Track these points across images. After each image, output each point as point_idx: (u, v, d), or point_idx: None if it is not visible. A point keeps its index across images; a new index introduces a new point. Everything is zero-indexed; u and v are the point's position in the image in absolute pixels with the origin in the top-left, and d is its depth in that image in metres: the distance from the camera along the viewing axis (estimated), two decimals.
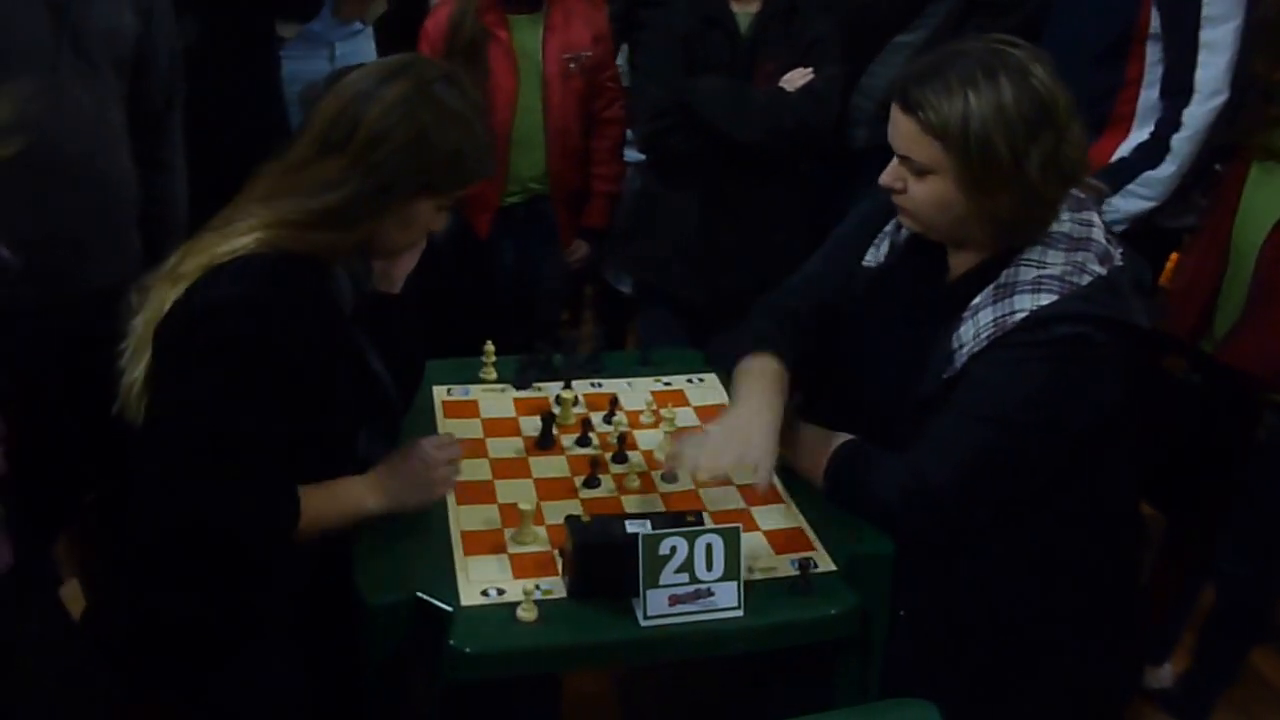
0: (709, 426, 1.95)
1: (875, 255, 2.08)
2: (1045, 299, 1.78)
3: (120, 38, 2.32)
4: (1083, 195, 1.89)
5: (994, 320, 1.81)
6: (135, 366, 1.79)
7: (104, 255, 2.29)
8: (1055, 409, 1.79)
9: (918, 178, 1.83)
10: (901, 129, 1.82)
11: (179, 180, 2.52)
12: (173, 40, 2.50)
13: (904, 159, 1.84)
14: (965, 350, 1.84)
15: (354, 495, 1.87)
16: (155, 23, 2.42)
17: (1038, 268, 1.81)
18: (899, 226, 2.01)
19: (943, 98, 1.75)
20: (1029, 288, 1.80)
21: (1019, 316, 1.79)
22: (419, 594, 1.73)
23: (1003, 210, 1.79)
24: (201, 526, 1.75)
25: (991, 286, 1.85)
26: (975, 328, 1.83)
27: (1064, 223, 1.84)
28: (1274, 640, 3.03)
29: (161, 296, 1.78)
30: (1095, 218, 1.87)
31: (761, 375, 2.01)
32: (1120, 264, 1.83)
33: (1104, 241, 1.84)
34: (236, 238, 1.77)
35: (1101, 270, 1.80)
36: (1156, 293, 2.97)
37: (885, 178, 1.89)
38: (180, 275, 1.77)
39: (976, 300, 1.85)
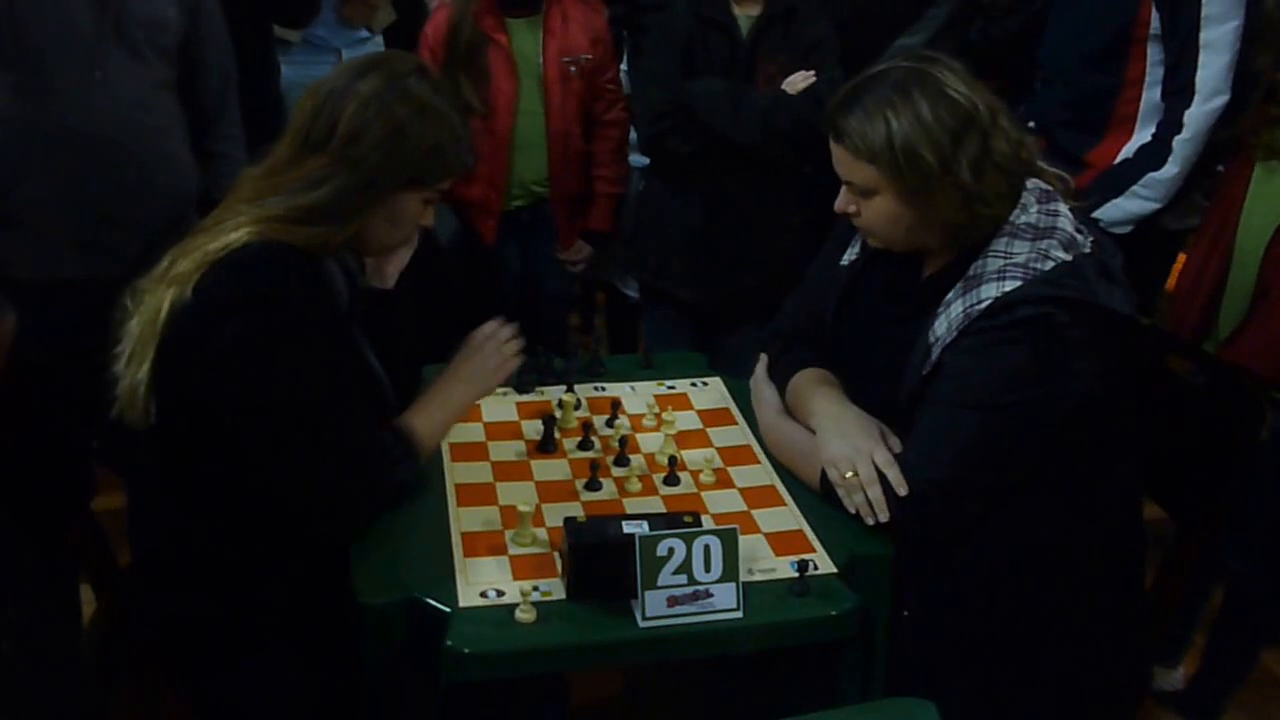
0: (827, 451, 1.96)
1: (850, 255, 2.14)
2: (1009, 285, 1.82)
3: (164, 27, 2.40)
4: (1048, 187, 1.93)
5: (963, 311, 1.84)
6: (136, 369, 1.79)
7: (150, 234, 2.34)
8: (1029, 390, 1.81)
9: (864, 199, 1.92)
10: (838, 157, 1.93)
11: (236, 169, 2.57)
12: (222, 36, 2.56)
13: (848, 184, 1.93)
14: (939, 344, 1.86)
15: (447, 396, 2.00)
16: (202, 19, 2.49)
17: (1004, 258, 1.85)
18: None
19: (864, 123, 1.85)
20: (994, 276, 1.84)
21: (984, 304, 1.82)
22: (416, 595, 1.74)
23: (948, 214, 1.86)
24: (358, 500, 1.84)
25: (962, 280, 1.88)
26: (948, 321, 1.86)
27: (1031, 213, 1.88)
28: None
29: (158, 299, 1.78)
30: (1062, 207, 1.90)
31: (820, 382, 2.09)
32: (1087, 251, 1.85)
33: (1070, 230, 1.87)
34: (226, 235, 1.78)
35: (1066, 256, 1.83)
36: (1159, 292, 2.98)
37: (839, 204, 1.98)
38: (174, 278, 1.78)
39: (949, 295, 1.88)
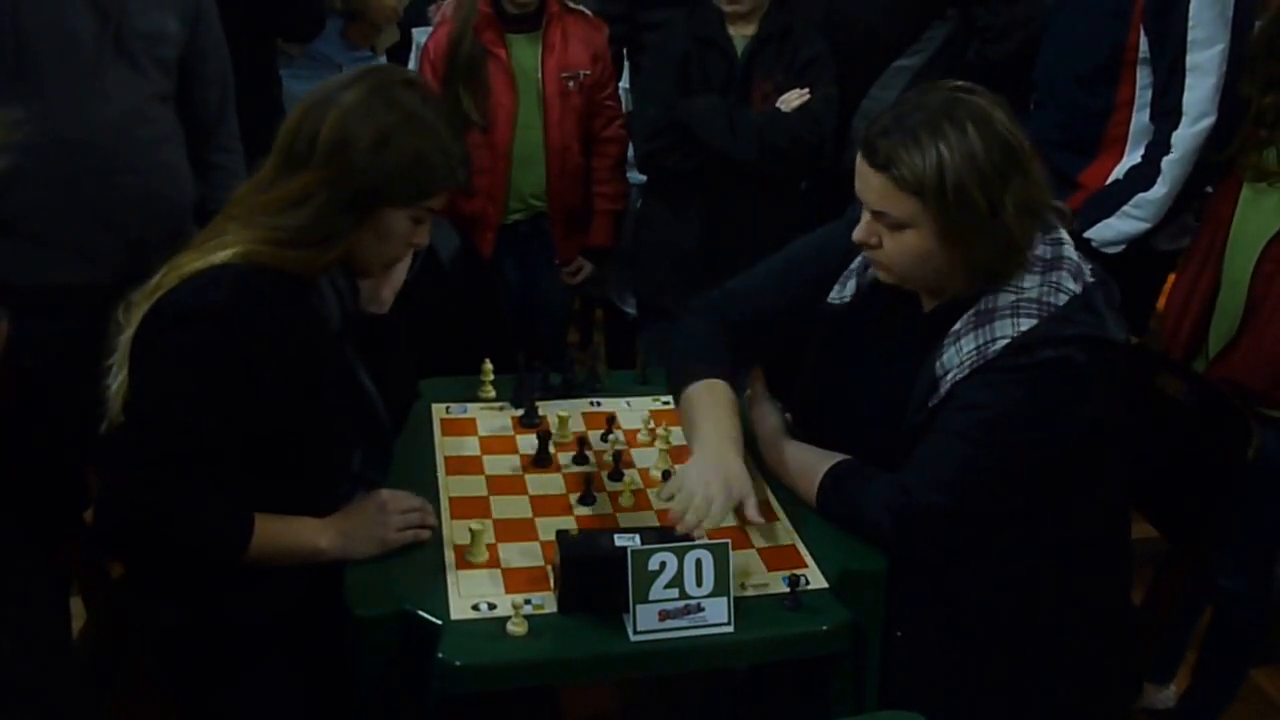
0: (681, 476, 1.89)
1: (841, 293, 2.07)
2: (1025, 324, 1.80)
3: (164, 40, 2.42)
4: (1050, 216, 1.91)
5: (976, 348, 1.82)
6: (118, 380, 1.80)
7: (148, 242, 2.35)
8: (1040, 429, 1.81)
9: (893, 232, 1.83)
10: (874, 185, 1.81)
11: (232, 181, 2.58)
12: (220, 48, 2.59)
13: (878, 214, 1.83)
14: (950, 378, 1.85)
15: (308, 531, 1.84)
16: (201, 32, 2.51)
17: (1015, 292, 1.83)
18: (866, 265, 2.00)
19: (914, 153, 1.74)
20: (1008, 313, 1.81)
21: (1001, 344, 1.80)
22: (408, 607, 1.74)
23: (981, 258, 1.81)
24: (150, 533, 1.72)
25: (970, 313, 1.85)
26: (958, 356, 1.84)
27: (1037, 245, 1.85)
28: (1276, 659, 3.03)
29: (138, 310, 1.79)
30: (1065, 235, 1.89)
31: (711, 404, 2.01)
32: (1092, 280, 1.85)
33: (1076, 258, 1.86)
34: (213, 254, 1.77)
35: (1076, 288, 1.82)
36: (1150, 312, 3.00)
37: (859, 234, 1.88)
38: (155, 290, 1.78)
39: (957, 326, 1.86)
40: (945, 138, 1.74)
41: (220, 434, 1.72)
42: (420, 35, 4.05)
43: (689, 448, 1.99)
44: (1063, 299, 1.80)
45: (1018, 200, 1.76)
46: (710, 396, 2.03)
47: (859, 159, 1.84)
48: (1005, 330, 1.80)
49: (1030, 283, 1.82)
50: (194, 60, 2.53)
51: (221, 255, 1.77)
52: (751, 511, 1.90)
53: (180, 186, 2.53)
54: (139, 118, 2.40)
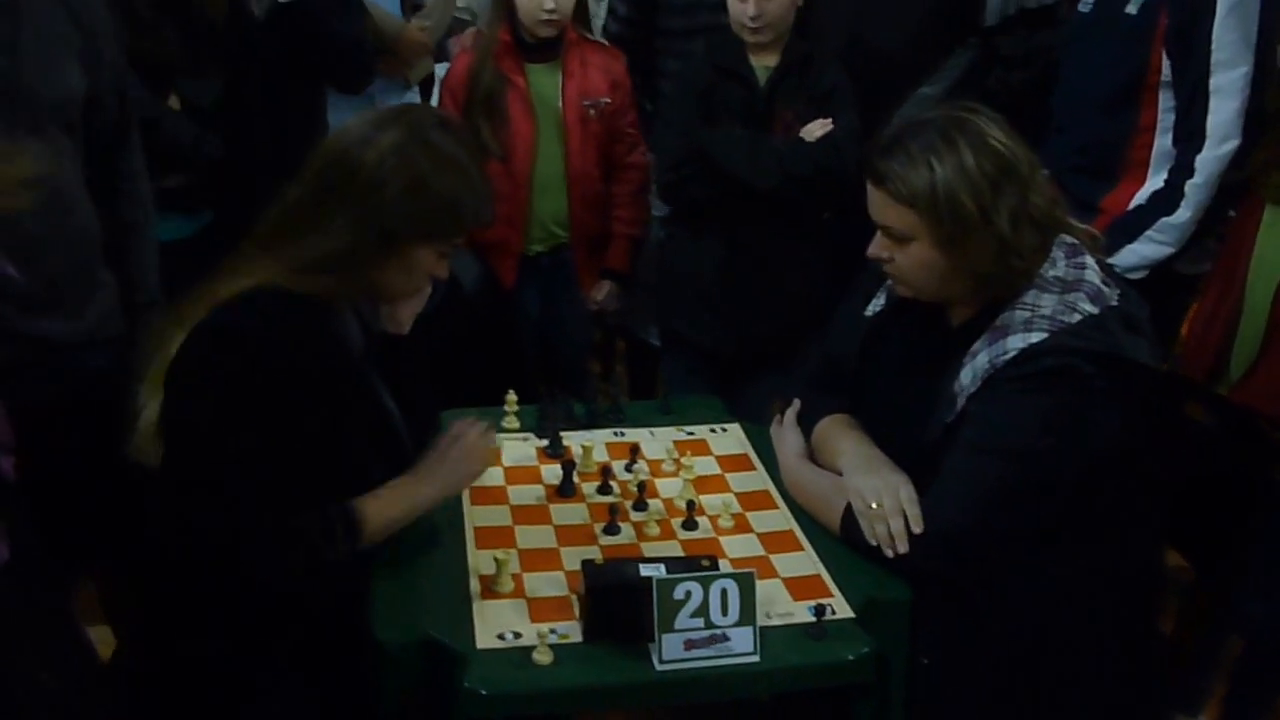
0: (855, 487, 1.96)
1: (875, 305, 2.14)
2: (1035, 337, 1.83)
3: (70, 103, 2.28)
4: (1076, 241, 1.94)
5: (989, 361, 1.85)
6: (148, 408, 1.82)
7: (55, 277, 2.26)
8: (1051, 438, 1.81)
9: (900, 245, 1.92)
10: (876, 201, 1.92)
11: (141, 206, 2.51)
12: (122, 81, 2.44)
13: (884, 229, 1.93)
14: (963, 393, 1.87)
15: (409, 490, 1.91)
16: (101, 71, 2.35)
17: (1031, 310, 1.86)
18: None
19: (907, 168, 1.85)
20: (1021, 328, 1.85)
21: (1010, 354, 1.83)
22: (434, 635, 1.75)
23: (981, 264, 1.86)
24: (261, 554, 1.75)
25: (988, 331, 1.89)
26: (973, 371, 1.87)
27: (1058, 267, 1.89)
28: None
29: (169, 338, 1.81)
30: (1089, 260, 1.92)
31: (842, 428, 2.11)
32: (1114, 304, 1.86)
33: (1097, 283, 1.88)
34: (238, 280, 1.80)
35: (1093, 309, 1.84)
36: (1174, 338, 2.99)
37: (872, 250, 1.97)
38: (186, 317, 1.81)
39: (975, 345, 1.89)
40: (936, 151, 1.84)
41: (280, 448, 1.76)
42: (439, 69, 4.08)
43: (836, 467, 2.06)
44: (1076, 318, 1.83)
45: (1012, 208, 1.84)
46: (837, 425, 2.13)
47: (866, 179, 1.93)
48: (1016, 343, 1.84)
49: (1046, 302, 1.86)
50: (94, 98, 2.36)
51: (247, 280, 1.80)
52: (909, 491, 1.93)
53: (90, 235, 2.40)
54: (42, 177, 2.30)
